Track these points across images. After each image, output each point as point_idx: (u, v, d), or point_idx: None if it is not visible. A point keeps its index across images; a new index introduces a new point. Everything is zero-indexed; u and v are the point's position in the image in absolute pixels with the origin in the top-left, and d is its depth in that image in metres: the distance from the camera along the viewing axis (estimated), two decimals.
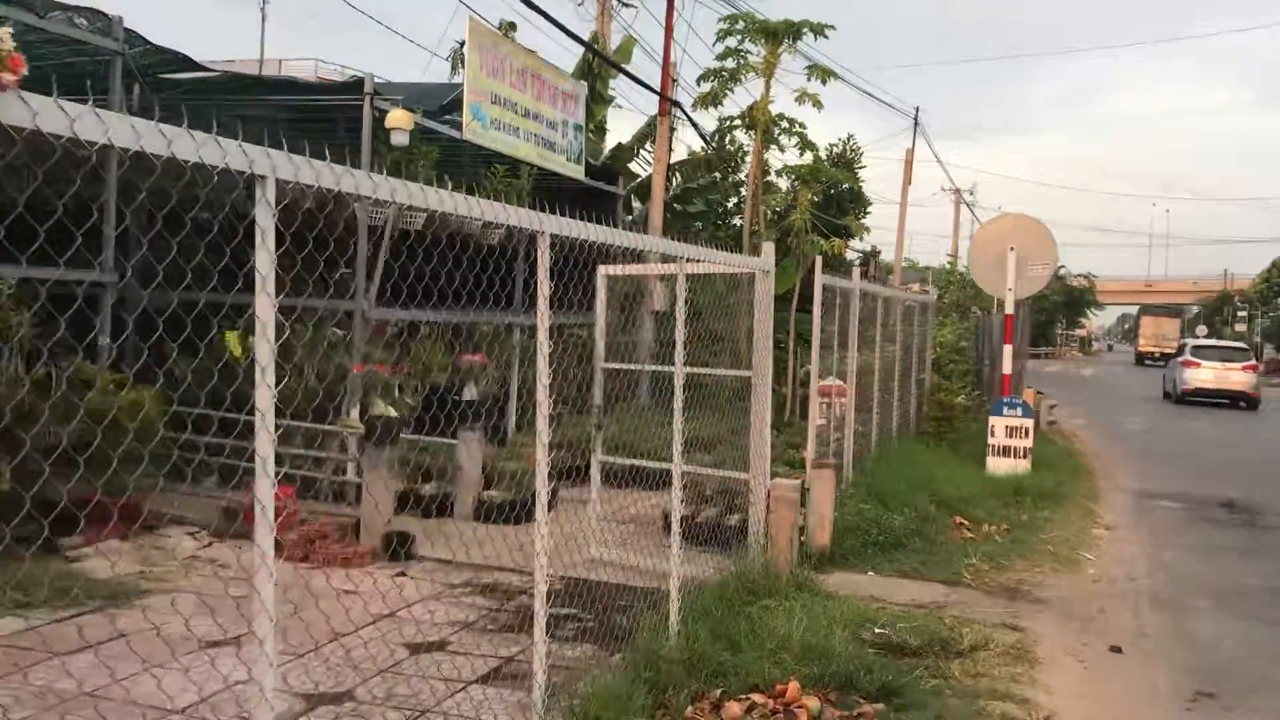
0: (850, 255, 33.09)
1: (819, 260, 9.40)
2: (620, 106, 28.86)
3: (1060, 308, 75.21)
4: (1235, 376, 31.71)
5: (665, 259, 6.65)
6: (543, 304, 4.57)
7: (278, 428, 3.10)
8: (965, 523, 10.80)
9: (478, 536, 8.55)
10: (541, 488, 4.70)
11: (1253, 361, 33.79)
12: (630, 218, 18.73)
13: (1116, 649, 7.23)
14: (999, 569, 9.33)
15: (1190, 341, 37.63)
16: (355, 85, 10.49)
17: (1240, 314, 74.78)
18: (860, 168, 28.80)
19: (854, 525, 9.64)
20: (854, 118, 67.22)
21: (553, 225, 4.61)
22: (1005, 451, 13.69)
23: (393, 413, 8.56)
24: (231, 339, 10.16)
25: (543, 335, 4.60)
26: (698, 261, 6.68)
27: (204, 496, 9.54)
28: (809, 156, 18.55)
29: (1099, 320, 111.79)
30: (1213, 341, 39.08)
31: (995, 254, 14.39)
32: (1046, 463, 14.39)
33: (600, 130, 19.38)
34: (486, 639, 6.81)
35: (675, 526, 6.34)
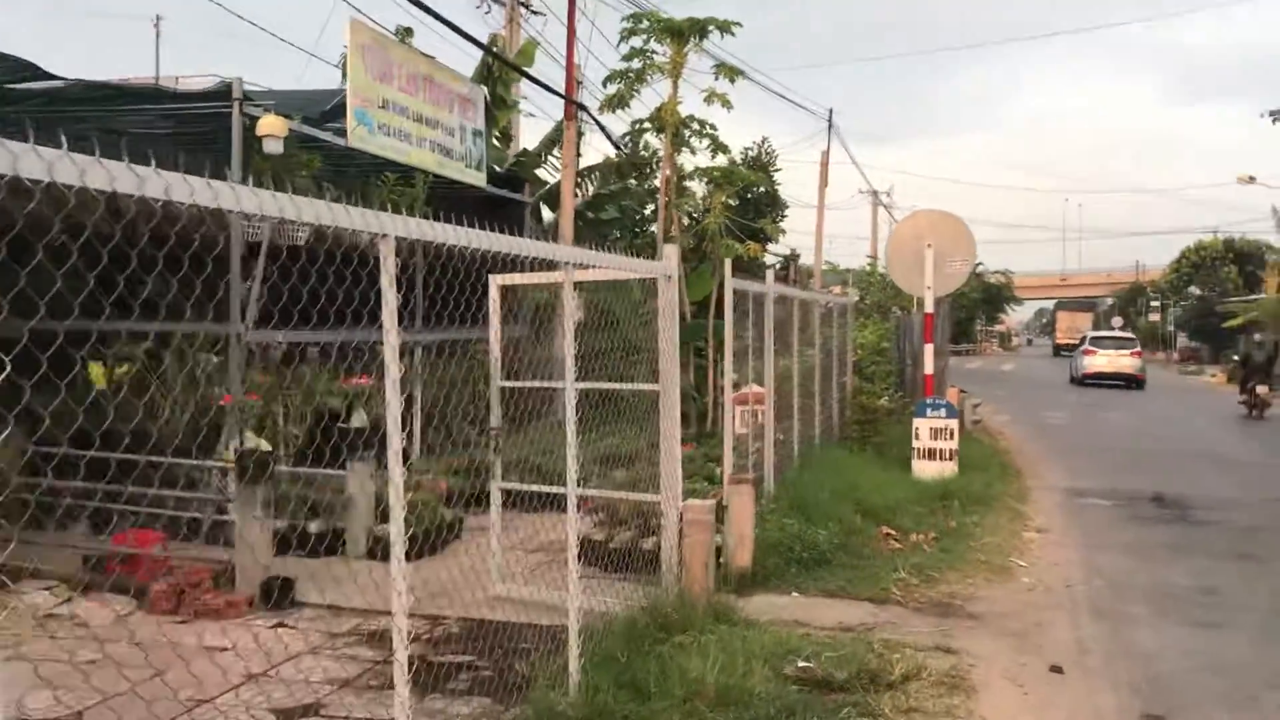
0: (769, 259, 32.81)
1: (728, 264, 8.84)
2: (533, 115, 28.13)
3: (979, 304, 75.94)
4: (1124, 361, 37.59)
5: (548, 266, 5.97)
6: (388, 319, 3.90)
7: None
8: (892, 533, 10.29)
9: (371, 578, 7.81)
10: (398, 538, 4.01)
11: (1138, 349, 39.37)
12: (539, 226, 18.05)
13: (1057, 669, 6.73)
14: (929, 582, 8.82)
15: (1089, 334, 44.31)
16: (223, 91, 9.69)
17: (1154, 304, 76.26)
18: (776, 170, 28.58)
19: (776, 542, 9.07)
20: (769, 122, 67.33)
21: (397, 227, 3.94)
22: (931, 454, 13.26)
23: (265, 446, 7.79)
24: (95, 371, 9.31)
25: (390, 357, 3.92)
26: (587, 268, 6.04)
27: (69, 546, 8.68)
28: (722, 159, 18.02)
29: (1017, 315, 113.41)
30: (1105, 333, 45.47)
31: (912, 251, 13.98)
32: (973, 463, 13.99)
33: (506, 137, 18.70)
34: (365, 699, 6.09)
35: (571, 562, 5.68)
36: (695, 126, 17.02)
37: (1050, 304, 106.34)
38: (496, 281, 8.04)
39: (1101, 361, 37.60)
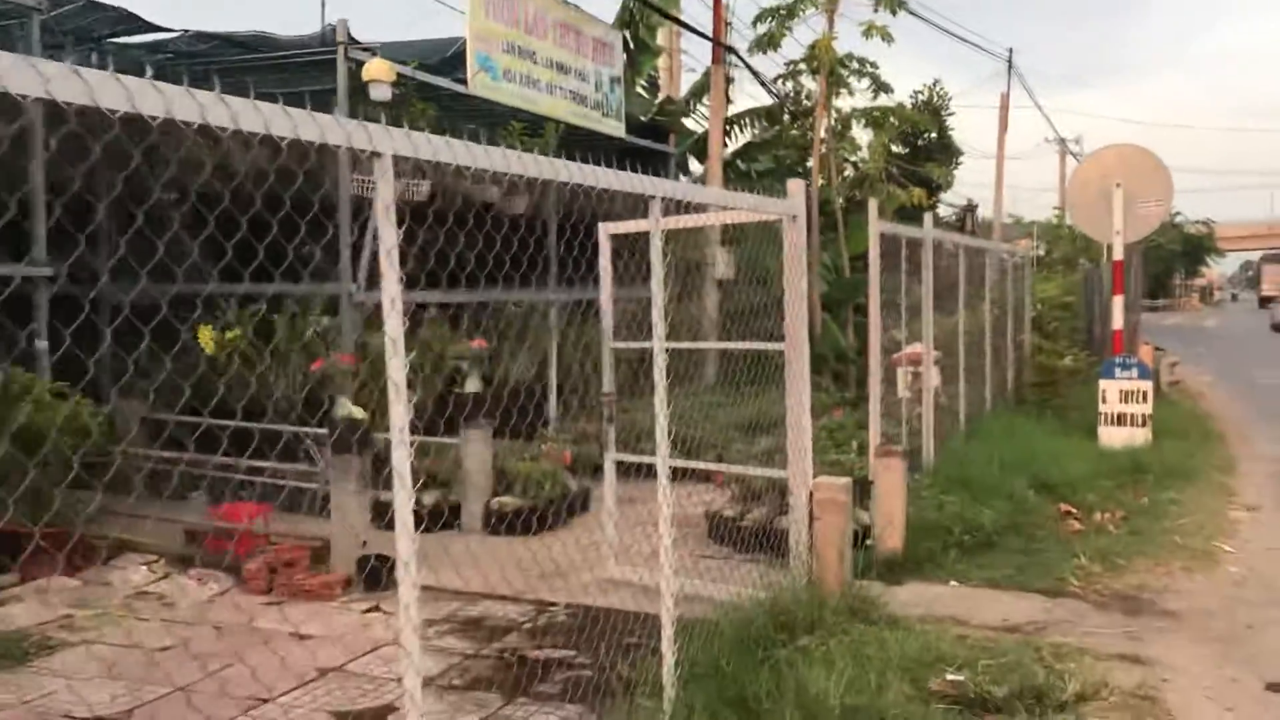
0: (943, 210, 30.97)
1: (873, 205, 7.73)
2: (691, 69, 27.10)
3: (1178, 257, 71.14)
4: None
5: (642, 201, 5.02)
6: (388, 267, 3.07)
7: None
8: (1072, 511, 9.01)
9: (483, 553, 7.15)
10: (405, 536, 3.20)
11: None
12: (686, 179, 17.11)
13: (1276, 688, 5.47)
14: (1114, 570, 7.58)
15: None
16: (330, 37, 9.10)
17: None
18: (948, 114, 26.77)
19: (933, 523, 7.98)
20: (942, 68, 64.04)
21: (397, 143, 3.10)
22: (1120, 420, 11.79)
23: (359, 414, 7.17)
24: (205, 335, 8.91)
25: (391, 318, 3.10)
26: (687, 208, 5.11)
27: (172, 520, 8.31)
28: (884, 99, 16.67)
29: (1220, 268, 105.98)
30: None
31: (1099, 192, 12.44)
32: (1170, 430, 12.41)
33: (653, 86, 17.77)
34: (445, 702, 5.36)
35: (664, 553, 4.79)
36: (854, 65, 15.75)
37: (1257, 255, 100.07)
38: (607, 230, 7.19)
39: None
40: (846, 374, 15.30)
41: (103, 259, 9.42)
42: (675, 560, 7.72)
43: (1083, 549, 7.94)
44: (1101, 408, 11.88)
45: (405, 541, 3.19)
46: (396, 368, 3.12)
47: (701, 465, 7.33)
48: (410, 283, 9.83)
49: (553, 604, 6.98)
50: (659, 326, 4.74)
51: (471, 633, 6.45)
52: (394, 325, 3.10)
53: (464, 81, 10.41)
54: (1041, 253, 47.09)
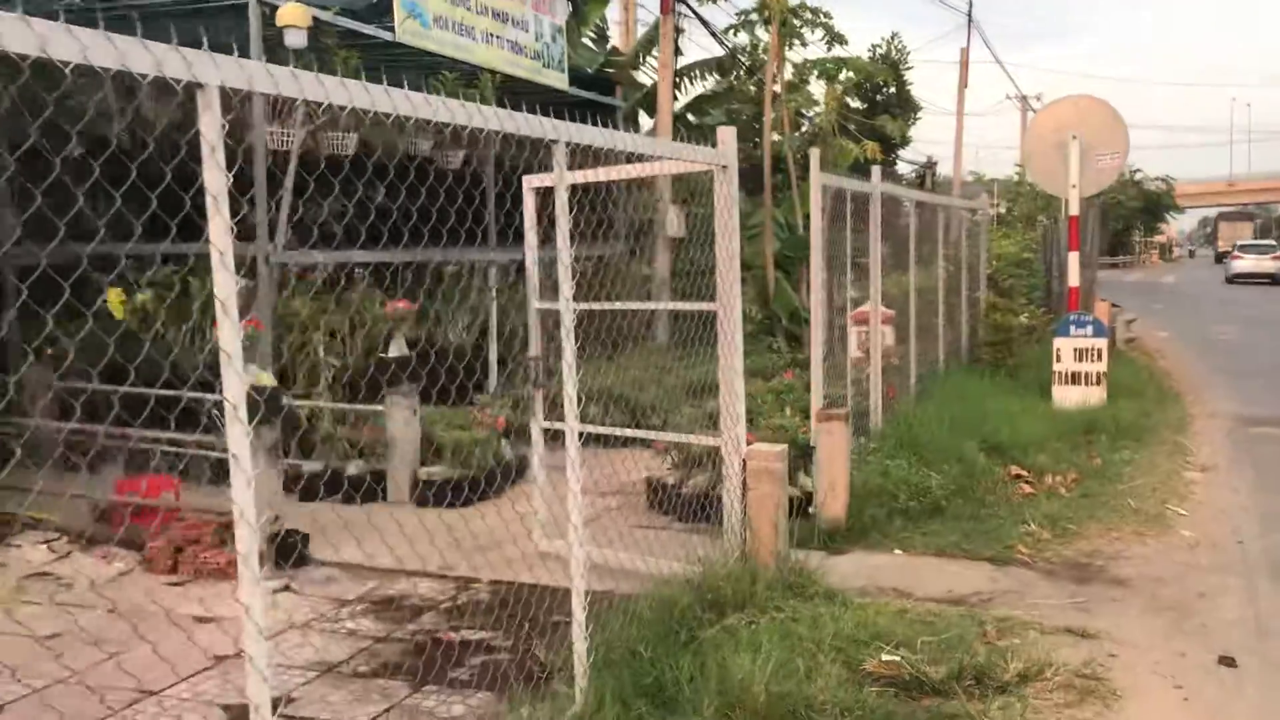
0: (903, 167, 30.63)
1: (815, 157, 7.32)
2: (647, 24, 26.37)
3: (1138, 214, 71.30)
4: (1266, 264, 45.81)
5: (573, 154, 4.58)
6: (215, 214, 2.64)
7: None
8: (1023, 474, 8.73)
9: (408, 525, 6.74)
10: (245, 526, 2.79)
11: (1278, 253, 47.39)
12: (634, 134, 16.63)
13: (1228, 661, 5.20)
14: (1065, 536, 7.30)
15: (1237, 241, 55.70)
16: None
17: None
18: (907, 68, 26.35)
19: (879, 489, 7.67)
20: (903, 23, 63.47)
21: (225, 73, 2.66)
22: (1074, 379, 11.53)
23: (269, 381, 6.73)
24: (114, 298, 8.41)
25: (221, 276, 2.67)
26: (599, 155, 4.69)
27: (80, 496, 7.84)
28: (839, 51, 16.24)
29: (1179, 225, 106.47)
30: (1251, 241, 57.16)
31: (1054, 144, 12.11)
32: (1125, 389, 12.17)
33: (601, 38, 17.22)
34: (345, 691, 4.98)
35: (573, 531, 4.41)
36: (807, 15, 15.30)
37: (1215, 212, 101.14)
38: (530, 183, 6.75)
39: (1247, 264, 46.01)
40: (801, 334, 14.95)
41: (6, 216, 8.87)
42: (610, 531, 7.40)
43: (1033, 514, 7.67)
44: (1055, 366, 11.61)
45: (245, 531, 2.77)
46: (228, 333, 2.71)
47: (622, 432, 6.95)
48: (332, 241, 9.35)
49: (475, 581, 6.60)
50: (565, 286, 4.33)
51: (386, 613, 6.07)
52: (224, 283, 2.68)
53: (392, 29, 9.87)
54: (1003, 210, 46.97)
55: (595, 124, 5.18)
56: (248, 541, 2.76)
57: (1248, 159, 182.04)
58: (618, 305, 6.66)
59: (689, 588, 5.33)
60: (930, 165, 31.74)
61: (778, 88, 14.94)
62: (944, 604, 5.97)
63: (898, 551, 7.02)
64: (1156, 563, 6.80)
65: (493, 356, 11.64)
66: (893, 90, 25.77)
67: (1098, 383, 11.48)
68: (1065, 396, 11.40)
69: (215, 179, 2.63)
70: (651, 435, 6.72)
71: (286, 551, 6.74)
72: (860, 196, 8.91)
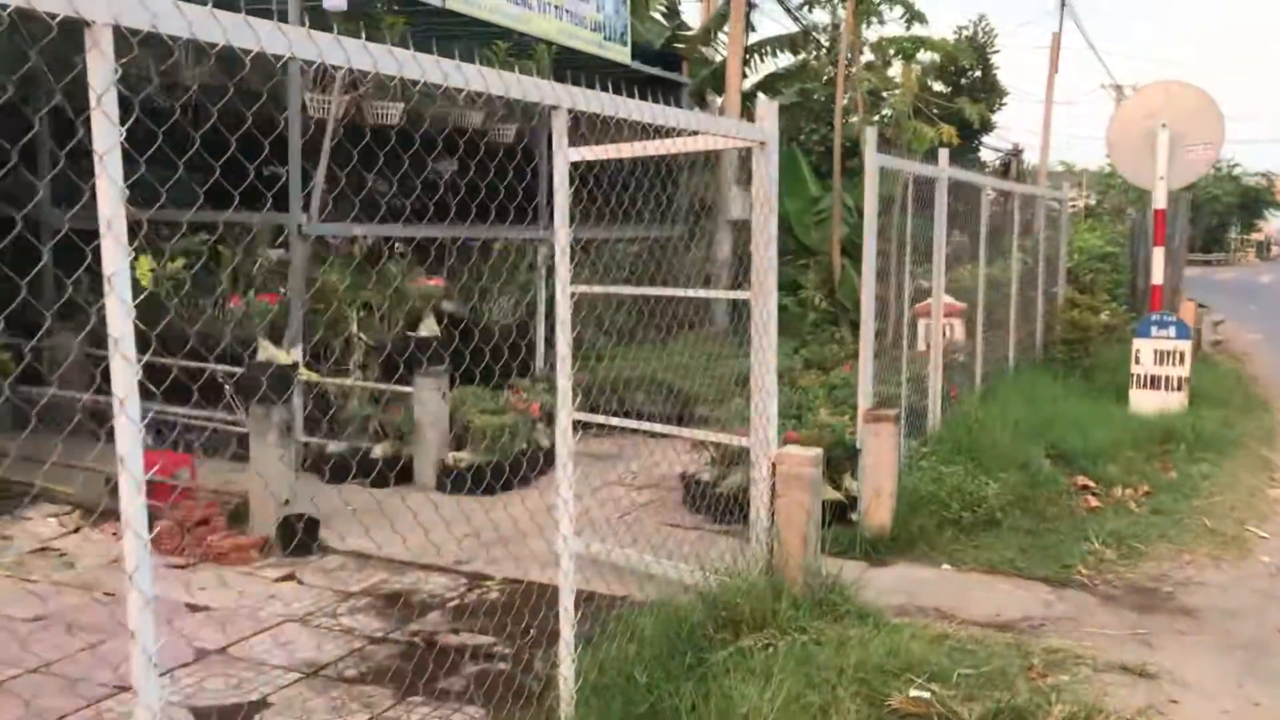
0: (987, 155, 29.63)
1: (871, 135, 6.78)
2: None
3: (1234, 210, 68.86)
4: None
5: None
6: (103, 187, 2.25)
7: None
8: (1090, 485, 8.13)
9: (428, 514, 6.40)
10: (131, 532, 2.43)
11: None
12: (703, 112, 16.07)
13: None
14: (1131, 557, 6.72)
15: None
16: None
17: None
18: (993, 52, 25.40)
19: (930, 495, 7.14)
20: (993, 7, 61.60)
21: (117, 8, 2.27)
22: (1153, 383, 10.82)
23: (283, 358, 6.41)
24: (144, 267, 8.17)
25: (109, 245, 2.29)
26: (612, 126, 4.26)
27: (98, 470, 7.64)
28: (920, 29, 15.54)
29: (1279, 223, 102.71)
30: None
31: (1142, 133, 11.35)
32: (1209, 395, 11.41)
33: (673, 12, 16.69)
34: (327, 697, 4.64)
35: (563, 541, 3.99)
36: None
37: None
38: (571, 157, 6.30)
39: None
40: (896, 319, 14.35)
41: (42, 179, 8.69)
42: (637, 529, 6.99)
43: (1097, 530, 7.08)
44: (1134, 369, 10.91)
45: (132, 544, 2.39)
46: (116, 315, 2.32)
47: (641, 426, 6.49)
48: (375, 214, 9.03)
49: (487, 578, 6.23)
50: (562, 269, 3.92)
51: (388, 610, 5.72)
52: (111, 255, 2.30)
53: None
54: (1092, 202, 45.42)
55: (663, 101, 4.77)
56: (134, 557, 2.38)
57: None
58: (631, 290, 6.21)
59: (702, 602, 4.89)
60: (1016, 153, 30.64)
61: (853, 68, 14.31)
62: (989, 629, 5.46)
63: (945, 566, 6.51)
64: (1231, 592, 6.19)
65: (539, 338, 11.27)
66: (978, 74, 24.83)
67: (1179, 388, 10.75)
68: (1143, 402, 10.70)
69: (103, 133, 2.24)
70: (673, 431, 6.26)
71: (295, 537, 6.44)
72: (930, 182, 8.35)
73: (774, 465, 5.38)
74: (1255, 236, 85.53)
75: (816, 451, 5.43)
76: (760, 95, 17.10)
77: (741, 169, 15.22)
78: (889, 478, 6.73)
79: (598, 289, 6.27)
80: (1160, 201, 11.38)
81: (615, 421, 6.60)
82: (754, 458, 5.45)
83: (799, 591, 5.18)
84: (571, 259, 4.33)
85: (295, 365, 6.47)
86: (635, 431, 7.75)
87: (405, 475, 8.06)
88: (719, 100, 15.80)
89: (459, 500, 7.57)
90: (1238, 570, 6.58)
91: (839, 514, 7.01)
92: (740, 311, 15.47)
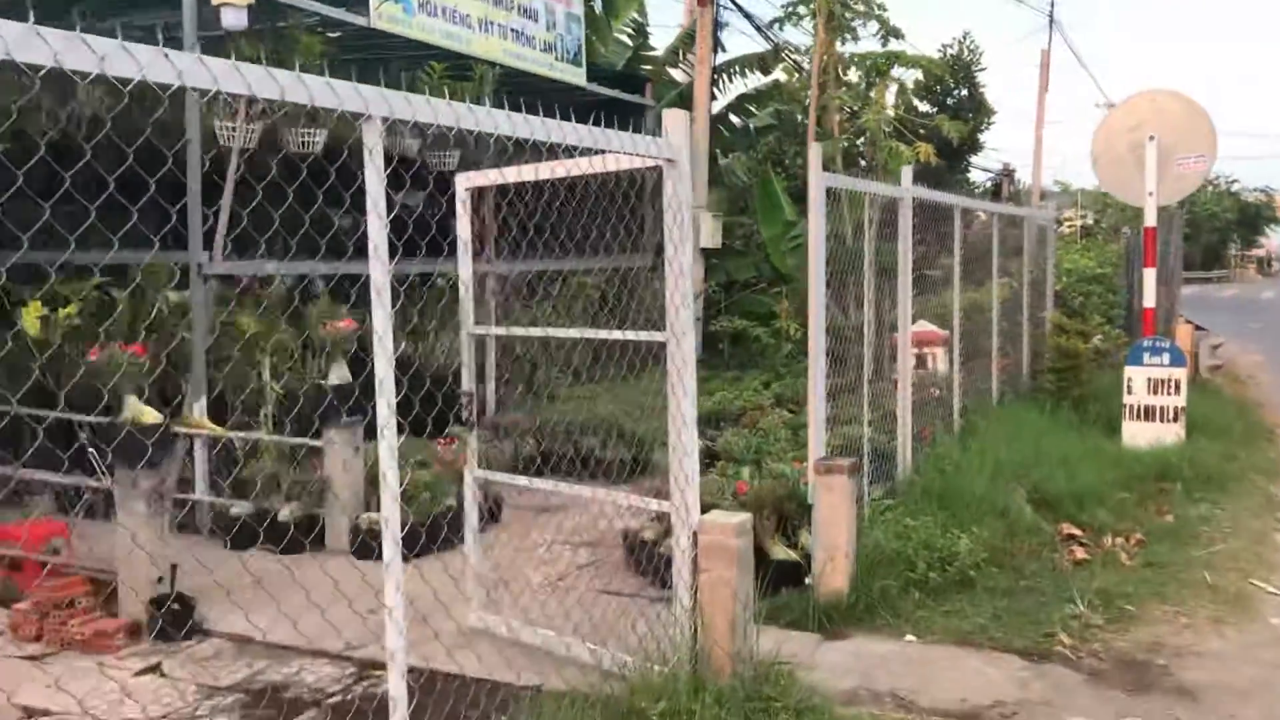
0: (978, 176, 28.96)
1: (816, 153, 6.04)
2: None
3: (1234, 226, 68.29)
4: None
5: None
6: None
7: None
8: (1077, 534, 7.36)
9: (329, 586, 5.62)
10: None
11: None
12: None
13: None
14: (1120, 621, 5.93)
15: None
16: None
17: None
18: (979, 69, 24.77)
19: (894, 553, 6.36)
20: (982, 25, 61.04)
21: None
22: (1146, 414, 10.05)
23: (150, 416, 5.66)
24: (31, 313, 7.45)
25: None
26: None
27: None
28: (896, 45, 14.85)
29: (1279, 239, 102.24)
30: None
31: (1128, 145, 10.63)
32: (1207, 425, 10.60)
33: (639, 33, 16.03)
34: None
35: (391, 626, 3.22)
36: (860, 7, 13.98)
37: None
38: (464, 183, 5.60)
39: None
40: (845, 354, 13.61)
41: None
42: (569, 598, 6.22)
43: (1083, 588, 6.30)
44: (1126, 399, 10.14)
45: None
46: None
47: (552, 486, 5.69)
48: (289, 250, 8.29)
49: (380, 667, 5.43)
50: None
51: (255, 711, 4.94)
52: None
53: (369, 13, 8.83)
54: (1089, 221, 44.70)
55: (623, 127, 4.10)
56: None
57: None
58: (538, 332, 5.48)
59: (603, 711, 4.11)
60: (1007, 173, 30.02)
61: (826, 87, 13.61)
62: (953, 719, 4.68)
63: (909, 638, 5.72)
64: (1235, 664, 5.40)
65: (489, 380, 10.53)
66: (964, 93, 24.19)
67: (1174, 419, 9.98)
68: (1136, 434, 9.92)
69: None
70: (582, 492, 5.47)
71: (169, 619, 5.67)
72: (883, 201, 7.63)
73: (695, 535, 4.61)
74: (1256, 252, 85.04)
75: (743, 518, 4.65)
76: (731, 117, 16.44)
77: (715, 196, 14.52)
78: (845, 537, 5.95)
79: (498, 330, 5.52)
80: (1150, 219, 10.64)
81: (521, 481, 5.82)
82: (673, 526, 4.68)
83: (726, 684, 4.40)
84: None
85: (165, 424, 5.71)
86: (584, 474, 7.02)
87: (321, 539, 7.29)
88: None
89: (373, 568, 6.78)
90: (1243, 635, 5.79)
91: (794, 576, 6.24)
92: (717, 342, 14.76)
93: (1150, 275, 10.76)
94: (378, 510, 7.08)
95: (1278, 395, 14.85)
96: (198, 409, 7.43)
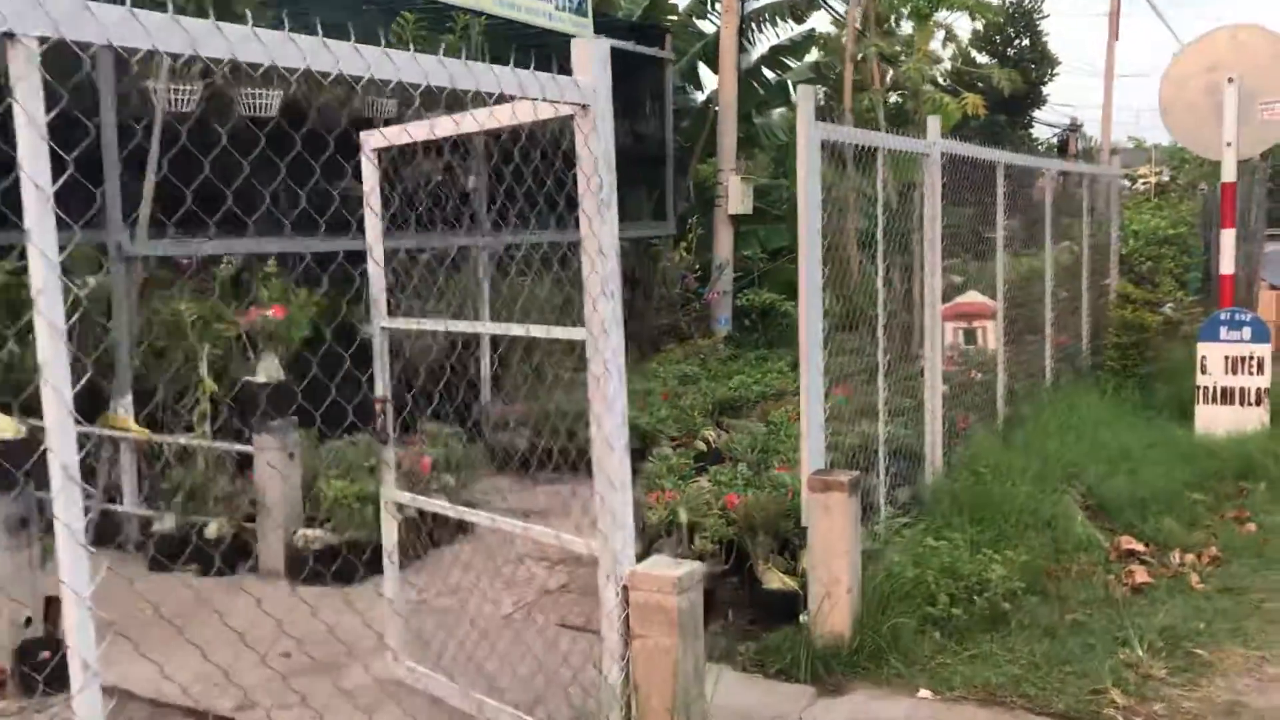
0: (1043, 131, 27.34)
1: (804, 95, 4.89)
2: None
3: None
4: None
5: None
6: None
7: None
8: (1138, 549, 6.20)
9: (246, 619, 4.71)
10: None
11: None
12: (689, 92, 14.29)
13: None
14: (1189, 670, 4.80)
15: None
16: None
17: None
18: (1041, 17, 23.16)
19: (910, 583, 5.26)
20: None
21: None
22: (1224, 396, 8.79)
23: (8, 430, 4.77)
24: None
25: None
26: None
27: None
28: None
29: None
30: None
31: (1204, 89, 9.31)
32: None
33: None
34: None
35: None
36: None
37: None
38: (371, 143, 4.59)
39: None
40: (889, 329, 12.47)
41: None
42: (518, 639, 5.25)
43: (1143, 625, 5.17)
44: (1200, 380, 8.88)
45: None
46: None
47: (470, 516, 4.65)
48: (240, 227, 7.38)
49: None
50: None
51: None
52: None
53: None
54: (1165, 179, 42.51)
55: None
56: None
57: None
58: (461, 326, 4.48)
59: None
60: (1074, 128, 28.29)
61: (866, 34, 12.37)
62: None
63: (923, 693, 4.64)
64: None
65: (484, 370, 9.56)
66: (1026, 42, 22.64)
67: (1257, 402, 8.71)
68: (1212, 421, 8.67)
69: None
70: (506, 526, 4.44)
71: (41, 668, 4.78)
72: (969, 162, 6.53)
73: (625, 588, 3.58)
74: None
75: (690, 568, 3.61)
76: (764, 71, 15.22)
77: (740, 155, 13.40)
78: (846, 567, 4.88)
79: (411, 324, 4.51)
80: (1229, 174, 9.32)
81: (438, 507, 4.82)
82: (600, 576, 3.65)
83: None
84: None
85: (27, 439, 4.80)
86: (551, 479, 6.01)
87: (255, 559, 6.39)
88: (716, 78, 13.95)
89: (304, 594, 5.87)
90: None
91: (793, 609, 5.20)
92: (744, 318, 13.63)
93: (1229, 237, 9.44)
94: (318, 526, 6.18)
95: None
96: (122, 408, 6.55)
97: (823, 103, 15.59)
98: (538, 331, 3.75)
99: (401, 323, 4.58)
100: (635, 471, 6.77)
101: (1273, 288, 13.67)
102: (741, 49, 13.51)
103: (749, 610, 5.53)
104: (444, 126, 4.08)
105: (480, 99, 3.55)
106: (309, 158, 3.44)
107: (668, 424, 8.49)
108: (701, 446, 8.28)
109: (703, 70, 15.00)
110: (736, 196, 12.88)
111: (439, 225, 7.88)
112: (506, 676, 4.55)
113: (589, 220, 3.46)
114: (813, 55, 15.44)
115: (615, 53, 11.14)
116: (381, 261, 4.60)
